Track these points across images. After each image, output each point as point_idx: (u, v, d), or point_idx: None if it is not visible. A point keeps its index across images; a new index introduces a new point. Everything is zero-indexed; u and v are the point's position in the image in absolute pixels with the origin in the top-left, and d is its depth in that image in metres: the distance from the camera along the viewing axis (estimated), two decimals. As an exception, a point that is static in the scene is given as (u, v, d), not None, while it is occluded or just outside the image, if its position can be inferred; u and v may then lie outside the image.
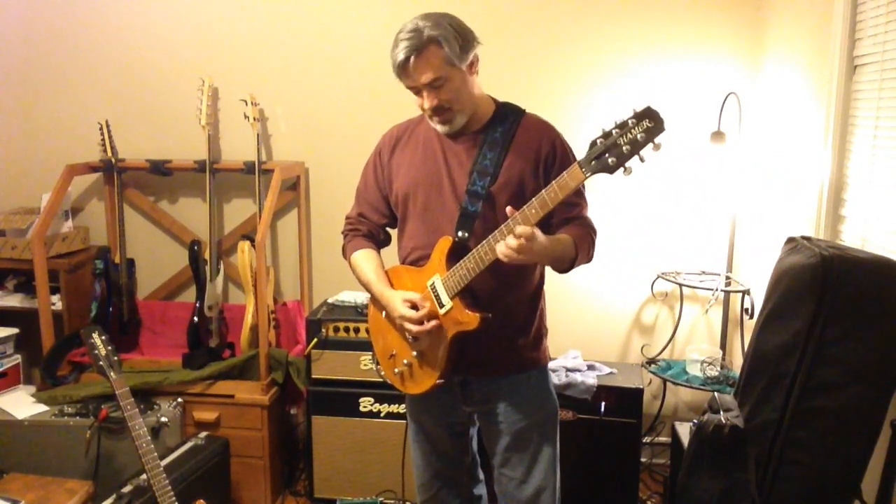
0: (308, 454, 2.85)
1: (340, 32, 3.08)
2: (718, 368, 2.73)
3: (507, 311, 1.77)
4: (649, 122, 1.41)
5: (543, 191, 1.54)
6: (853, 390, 1.64)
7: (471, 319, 1.67)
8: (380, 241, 1.97)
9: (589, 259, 1.79)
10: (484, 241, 1.63)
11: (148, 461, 1.98)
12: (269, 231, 3.05)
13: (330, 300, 2.97)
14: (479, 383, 1.85)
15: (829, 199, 2.21)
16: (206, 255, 2.99)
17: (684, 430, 2.41)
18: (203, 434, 2.59)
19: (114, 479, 2.44)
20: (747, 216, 2.90)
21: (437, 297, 1.71)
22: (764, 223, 2.77)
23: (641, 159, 1.45)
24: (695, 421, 2.02)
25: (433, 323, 1.71)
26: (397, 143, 1.89)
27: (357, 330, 2.76)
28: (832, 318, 1.65)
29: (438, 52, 1.64)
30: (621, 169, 1.45)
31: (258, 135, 3.01)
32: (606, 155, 1.45)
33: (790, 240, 1.88)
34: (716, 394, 1.96)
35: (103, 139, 3.07)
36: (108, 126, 3.09)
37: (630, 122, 1.42)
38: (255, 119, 2.99)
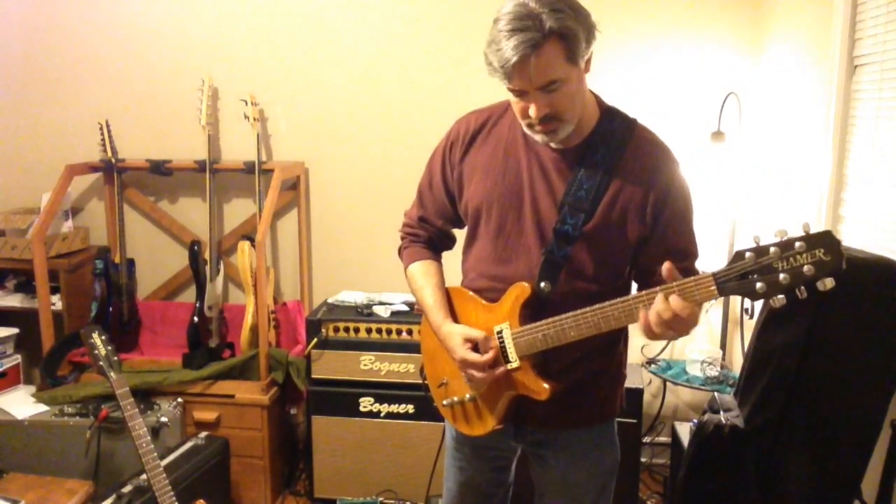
0: (308, 454, 2.85)
1: (340, 32, 3.08)
2: (718, 368, 2.73)
3: (576, 367, 1.51)
4: (824, 255, 1.08)
5: (675, 284, 1.24)
6: (853, 390, 1.64)
7: (540, 391, 1.44)
8: (443, 247, 1.72)
9: None
10: (569, 316, 1.36)
11: (148, 461, 1.97)
12: (269, 231, 3.05)
13: (330, 300, 2.97)
14: (536, 429, 1.61)
15: (829, 199, 2.21)
16: (206, 255, 2.99)
17: (684, 430, 2.42)
18: (203, 434, 2.59)
19: (114, 479, 2.43)
20: (747, 216, 2.89)
21: (504, 348, 1.47)
22: (764, 223, 2.76)
23: (800, 294, 1.12)
24: (695, 421, 2.03)
25: (500, 371, 1.46)
26: (474, 138, 1.55)
27: (357, 330, 2.76)
28: (832, 318, 1.65)
29: (560, 47, 1.28)
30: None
31: (258, 135, 3.01)
32: (755, 276, 1.14)
33: (790, 240, 1.87)
34: (716, 394, 1.96)
35: (103, 139, 3.07)
36: (108, 126, 3.08)
37: (797, 244, 1.10)
38: (255, 119, 2.99)
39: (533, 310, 1.45)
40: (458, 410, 1.63)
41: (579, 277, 1.44)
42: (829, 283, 1.09)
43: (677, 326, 1.25)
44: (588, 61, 1.37)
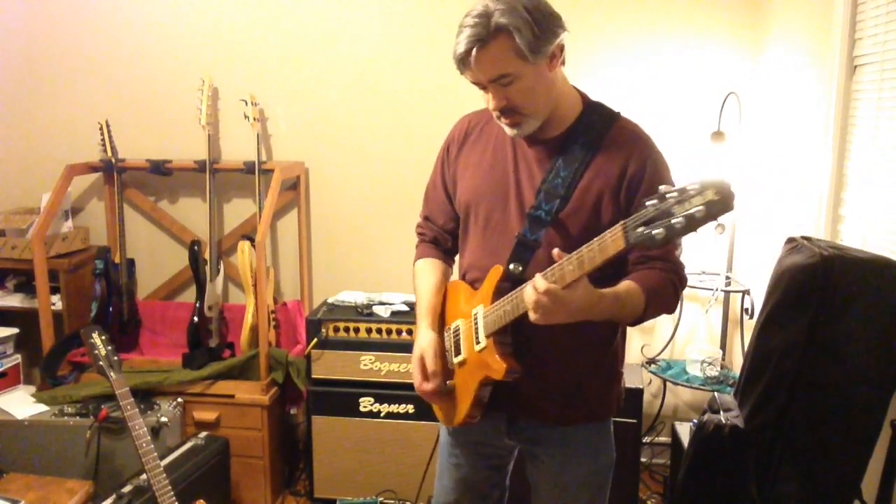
0: (308, 454, 2.85)
1: (340, 32, 3.08)
2: (718, 368, 2.73)
3: (566, 358, 1.51)
4: (714, 195, 1.09)
5: (585, 247, 1.25)
6: (853, 390, 1.64)
7: (498, 368, 1.43)
8: (450, 247, 1.73)
9: (669, 311, 1.49)
10: (525, 285, 1.35)
11: (148, 461, 1.98)
12: (269, 231, 3.05)
13: (330, 300, 2.97)
14: (529, 424, 1.61)
15: (829, 199, 2.21)
16: (206, 255, 2.99)
17: (684, 430, 2.42)
18: (203, 434, 2.59)
19: (114, 479, 2.43)
20: (747, 216, 2.90)
21: (477, 330, 1.50)
22: (764, 223, 2.77)
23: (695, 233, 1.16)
24: (695, 421, 2.03)
25: (428, 386, 1.56)
26: (467, 137, 1.63)
27: (357, 330, 2.76)
28: (832, 318, 1.65)
29: (507, 43, 1.35)
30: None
31: (258, 135, 3.01)
32: (655, 223, 1.15)
33: (790, 240, 1.88)
34: (716, 394, 1.96)
35: (103, 139, 3.07)
36: (108, 126, 3.08)
37: (691, 189, 1.13)
38: (255, 119, 2.99)
39: (507, 292, 1.45)
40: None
41: (551, 261, 1.41)
42: (721, 224, 1.12)
43: (556, 309, 1.28)
44: (555, 58, 1.42)
